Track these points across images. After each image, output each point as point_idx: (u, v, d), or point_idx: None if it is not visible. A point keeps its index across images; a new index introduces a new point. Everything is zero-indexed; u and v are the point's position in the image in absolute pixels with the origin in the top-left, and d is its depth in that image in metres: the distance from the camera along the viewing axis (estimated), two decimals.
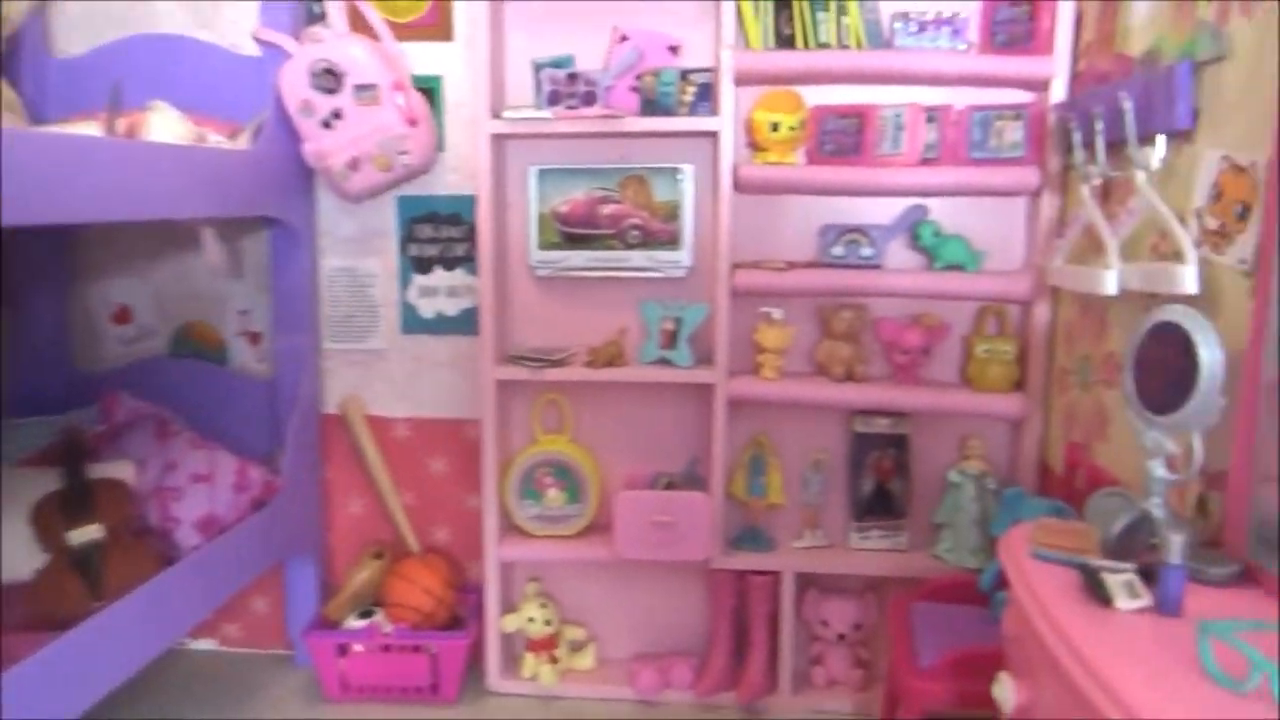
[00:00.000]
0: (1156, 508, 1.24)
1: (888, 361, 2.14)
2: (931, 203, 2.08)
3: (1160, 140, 1.46)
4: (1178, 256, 1.39)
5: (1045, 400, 2.01)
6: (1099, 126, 1.61)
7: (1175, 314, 1.24)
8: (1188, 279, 1.31)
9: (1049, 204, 1.96)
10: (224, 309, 2.41)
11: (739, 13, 2.02)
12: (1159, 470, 1.25)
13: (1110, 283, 1.52)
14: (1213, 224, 1.32)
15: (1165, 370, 1.26)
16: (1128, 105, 1.47)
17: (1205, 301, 1.31)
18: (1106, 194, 1.71)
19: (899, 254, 2.13)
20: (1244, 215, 1.24)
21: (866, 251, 2.08)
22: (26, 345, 2.35)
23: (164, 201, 1.72)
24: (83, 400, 2.28)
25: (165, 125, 1.91)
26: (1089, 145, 1.68)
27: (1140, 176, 1.48)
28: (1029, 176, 1.96)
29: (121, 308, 2.44)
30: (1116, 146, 1.59)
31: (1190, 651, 0.91)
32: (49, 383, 2.37)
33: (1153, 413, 1.27)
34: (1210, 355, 1.18)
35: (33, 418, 2.20)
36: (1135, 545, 1.18)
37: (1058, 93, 1.93)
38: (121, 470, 1.98)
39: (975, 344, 2.06)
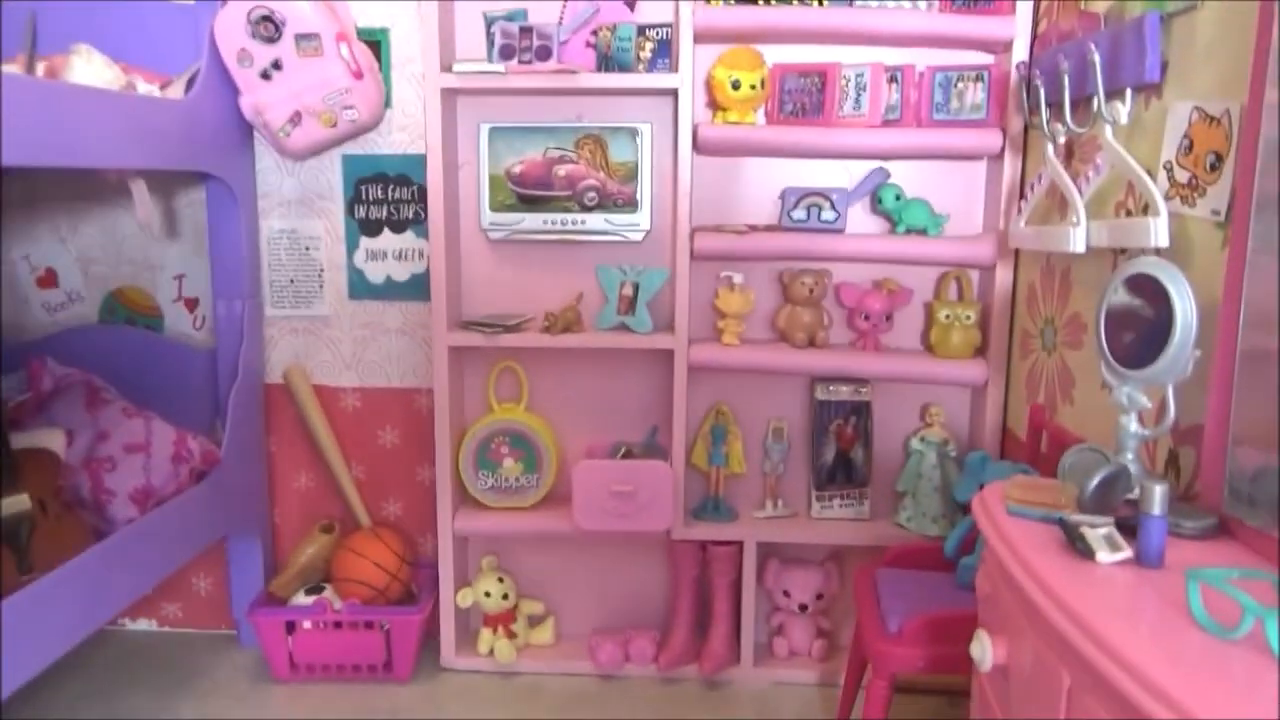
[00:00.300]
0: (1130, 463, 1.23)
1: (850, 327, 2.12)
2: (893, 165, 2.06)
3: (1128, 94, 1.44)
4: (1147, 211, 1.38)
5: (1007, 365, 2.00)
6: (1065, 83, 1.59)
7: (1149, 265, 1.22)
8: (1159, 232, 1.30)
9: (1011, 166, 1.95)
10: (158, 273, 2.29)
11: None
12: (1132, 425, 1.24)
13: (1079, 240, 1.50)
14: (1182, 177, 1.31)
15: (1137, 324, 1.24)
16: (1096, 60, 1.45)
17: (1176, 255, 1.29)
18: (1070, 153, 1.70)
19: (861, 218, 2.10)
20: (1216, 165, 1.23)
21: (828, 215, 2.04)
22: None
23: (89, 149, 1.61)
24: (5, 369, 2.15)
25: (90, 70, 1.79)
26: (1054, 104, 1.66)
27: (1108, 131, 1.47)
28: (990, 138, 1.94)
29: (47, 270, 2.30)
30: (1082, 103, 1.57)
31: (1176, 600, 0.89)
32: None
33: (1125, 368, 1.25)
34: (1184, 306, 1.16)
35: None
36: (1112, 499, 1.16)
37: (1019, 53, 1.91)
38: (50, 440, 1.86)
39: (937, 309, 2.04)
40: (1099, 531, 1.06)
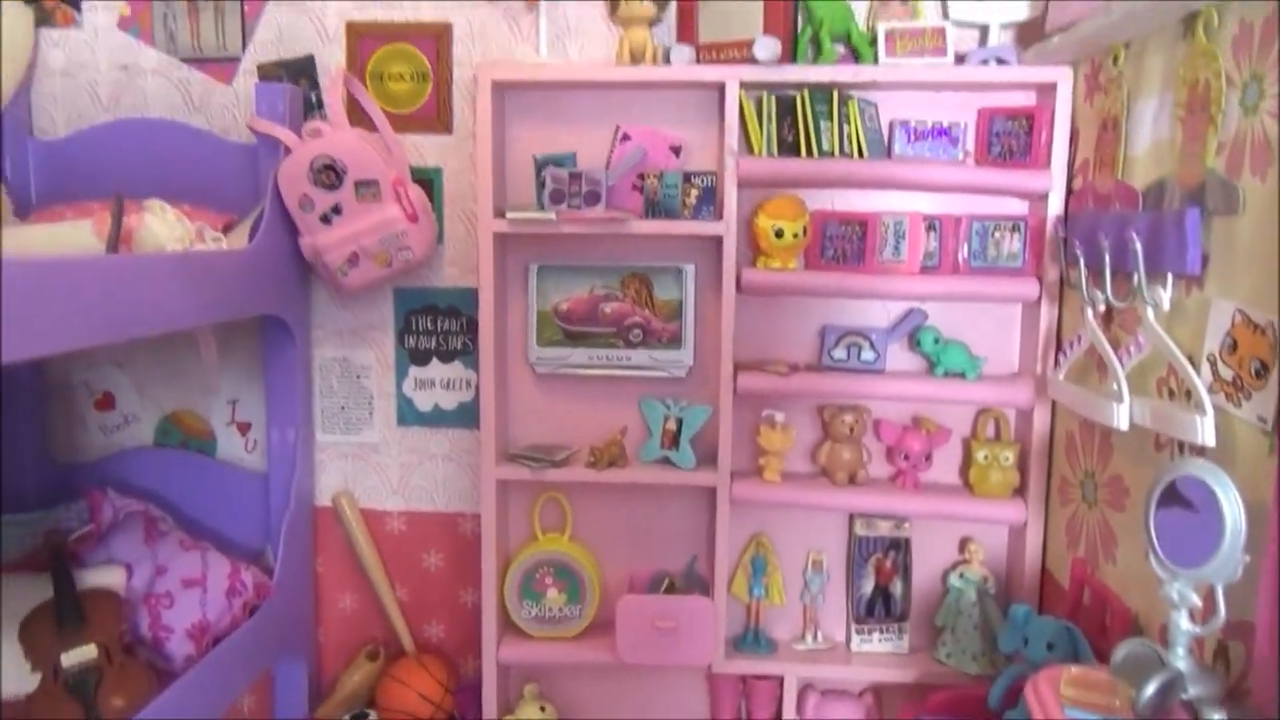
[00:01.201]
0: (1181, 660, 1.26)
1: (888, 461, 2.16)
2: (930, 306, 2.11)
3: (1169, 280, 1.49)
4: (1189, 397, 1.42)
5: (1045, 507, 2.03)
6: (1105, 257, 1.64)
7: (1197, 468, 1.26)
8: (1206, 431, 1.34)
9: (1047, 314, 2.00)
10: (213, 398, 2.35)
11: (742, 118, 2.04)
12: (1183, 623, 1.27)
13: (1123, 417, 1.54)
14: (1227, 374, 1.35)
15: (1186, 520, 1.29)
16: (1137, 246, 1.51)
17: (1222, 453, 1.33)
18: (1109, 316, 1.75)
19: (899, 355, 2.15)
20: (1262, 373, 1.27)
21: (868, 355, 2.10)
22: (7, 436, 2.27)
23: (163, 315, 1.67)
24: (64, 494, 2.21)
25: (165, 227, 1.86)
26: (1092, 268, 1.72)
27: (1149, 313, 1.52)
28: (1027, 287, 2.00)
29: (105, 393, 2.37)
30: (1121, 275, 1.63)
31: None
32: (27, 475, 2.29)
33: (1174, 563, 1.29)
34: (1233, 513, 1.21)
35: (12, 515, 2.12)
36: (1167, 703, 1.20)
37: (1054, 206, 1.97)
38: (112, 577, 1.91)
39: (975, 449, 2.08)
40: None
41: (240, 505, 2.30)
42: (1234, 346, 1.34)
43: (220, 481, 2.32)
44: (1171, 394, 1.52)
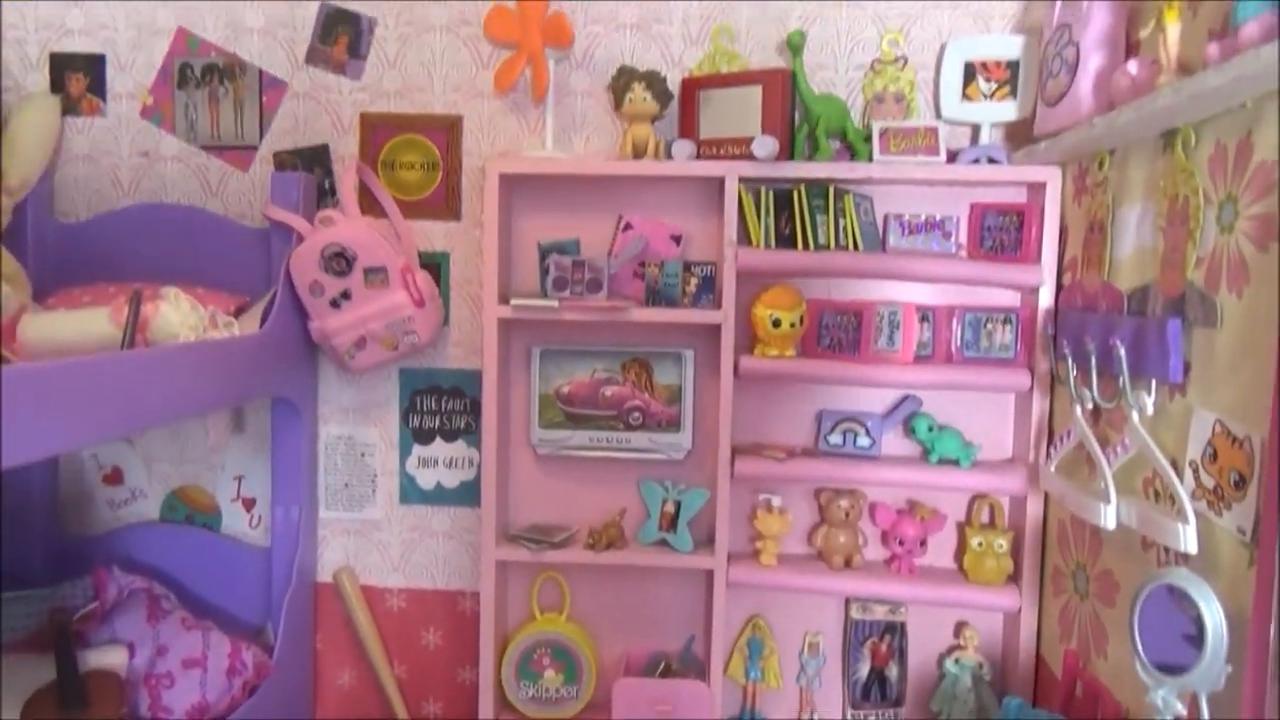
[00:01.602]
0: None
1: (883, 544, 2.19)
2: (924, 393, 2.16)
3: (1153, 385, 1.54)
4: (1173, 501, 1.45)
5: (1040, 596, 2.05)
6: (1091, 360, 1.69)
7: (1180, 578, 1.30)
8: (1189, 539, 1.37)
9: (1039, 405, 2.04)
10: (219, 473, 2.39)
11: (741, 210, 2.11)
12: None
13: (1109, 517, 1.58)
14: (1209, 482, 1.39)
15: (1169, 626, 1.31)
16: (1121, 353, 1.55)
17: (1205, 561, 1.36)
18: (1097, 413, 1.78)
19: (894, 441, 2.19)
20: (1241, 485, 1.31)
21: (863, 441, 2.13)
22: (16, 510, 2.31)
23: (177, 405, 1.73)
24: (72, 568, 2.23)
25: (179, 316, 1.91)
26: (1080, 367, 1.76)
27: (1134, 416, 1.56)
28: (1019, 378, 2.04)
29: (114, 468, 2.41)
30: (1109, 376, 1.67)
31: None
32: (36, 548, 2.32)
33: (1158, 671, 1.32)
34: (1215, 623, 1.24)
35: (20, 592, 2.15)
36: None
37: (1045, 299, 2.02)
38: (114, 657, 1.94)
39: (969, 535, 2.11)
40: None
41: (243, 580, 2.32)
42: (1215, 456, 1.38)
43: (224, 557, 2.34)
44: (1157, 495, 1.55)
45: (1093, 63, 1.69)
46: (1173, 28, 1.43)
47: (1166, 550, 1.50)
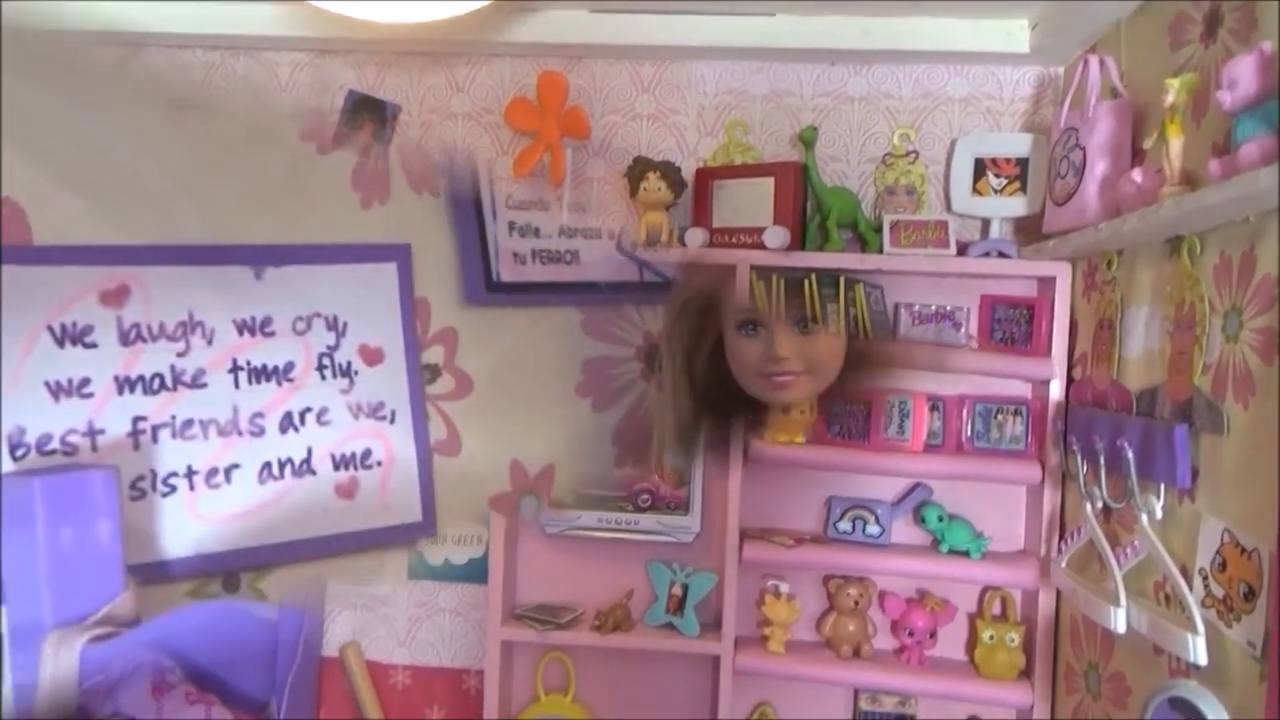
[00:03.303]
0: None
1: (893, 634, 2.17)
2: (934, 483, 2.15)
3: (1162, 489, 1.54)
4: (1183, 610, 1.44)
5: (1053, 693, 2.02)
6: (1100, 460, 1.69)
7: (1189, 691, 1.29)
8: (1199, 651, 1.35)
9: (1050, 497, 2.03)
10: None
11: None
12: None
13: (1119, 621, 1.56)
14: (1219, 592, 1.38)
15: None
16: (1129, 456, 1.56)
17: (1215, 672, 1.35)
18: (1108, 512, 1.78)
19: (904, 529, 2.18)
20: (1250, 597, 1.30)
21: (873, 529, 2.13)
22: None
23: None
24: None
25: None
26: (1089, 464, 1.76)
27: (1143, 519, 1.56)
28: (1030, 470, 2.04)
29: None
30: (1118, 476, 1.67)
31: None
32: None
33: None
34: None
35: None
36: None
37: (1055, 392, 2.03)
38: None
39: (980, 628, 2.09)
40: None
41: (250, 652, 2.31)
42: (1224, 565, 1.37)
43: (232, 625, 2.34)
44: (1168, 599, 1.54)
45: (1099, 168, 1.72)
46: (1175, 140, 1.46)
47: (1178, 658, 1.48)
